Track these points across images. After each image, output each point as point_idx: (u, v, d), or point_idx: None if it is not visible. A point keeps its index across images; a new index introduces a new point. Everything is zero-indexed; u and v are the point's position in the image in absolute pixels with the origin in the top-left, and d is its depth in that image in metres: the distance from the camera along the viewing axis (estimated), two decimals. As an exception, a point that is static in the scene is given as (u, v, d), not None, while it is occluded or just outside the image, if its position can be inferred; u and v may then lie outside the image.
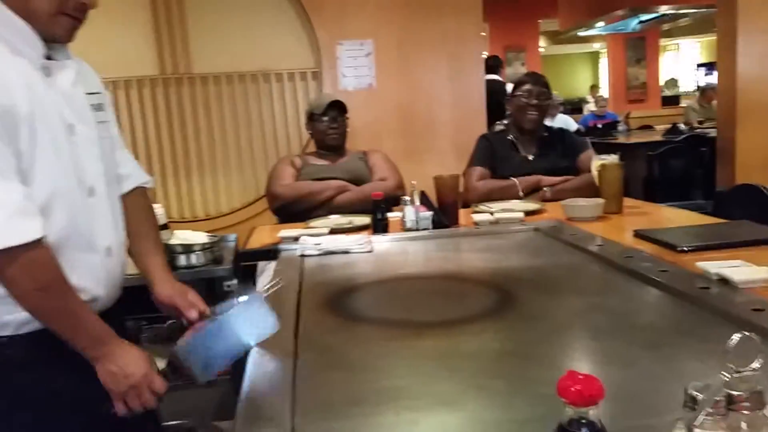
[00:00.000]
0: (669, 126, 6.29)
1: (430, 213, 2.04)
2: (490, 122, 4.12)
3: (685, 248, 1.55)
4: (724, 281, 1.26)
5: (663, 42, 8.88)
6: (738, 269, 1.30)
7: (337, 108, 2.84)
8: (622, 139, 6.14)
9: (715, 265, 1.33)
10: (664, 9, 6.63)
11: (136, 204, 1.30)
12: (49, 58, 1.09)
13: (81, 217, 1.09)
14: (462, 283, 1.53)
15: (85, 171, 1.11)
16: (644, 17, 7.05)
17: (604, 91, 9.31)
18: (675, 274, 1.35)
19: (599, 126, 6.71)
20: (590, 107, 8.57)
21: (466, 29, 3.65)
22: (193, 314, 1.16)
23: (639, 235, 1.75)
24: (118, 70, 3.34)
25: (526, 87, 2.70)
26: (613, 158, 2.23)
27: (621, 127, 6.90)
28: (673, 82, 10.35)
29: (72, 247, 1.07)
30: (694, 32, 8.53)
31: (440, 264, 1.78)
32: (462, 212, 2.21)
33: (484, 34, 3.71)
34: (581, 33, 8.20)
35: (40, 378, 1.08)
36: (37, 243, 0.97)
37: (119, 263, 1.20)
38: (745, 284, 1.23)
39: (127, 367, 1.05)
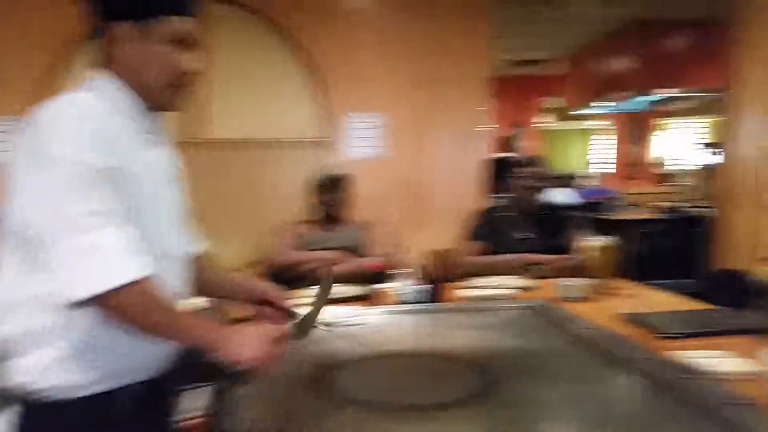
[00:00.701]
0: (665, 204, 6.39)
1: (425, 286, 2.08)
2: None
3: (671, 334, 1.59)
4: (706, 372, 1.28)
5: (661, 121, 9.09)
6: (720, 360, 1.33)
7: (340, 180, 2.91)
8: (616, 216, 6.21)
9: (698, 355, 1.36)
10: (672, 92, 6.76)
11: (200, 263, 1.42)
12: (150, 128, 1.20)
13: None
14: (451, 364, 1.55)
15: (164, 235, 1.20)
16: (647, 99, 7.22)
17: (597, 166, 9.48)
18: (659, 362, 1.38)
19: (593, 201, 6.80)
20: (583, 182, 8.69)
21: (471, 106, 3.80)
22: (286, 303, 1.40)
23: (626, 319, 1.79)
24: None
25: (523, 169, 2.78)
26: (605, 239, 2.28)
27: (616, 203, 6.99)
28: (668, 161, 10.53)
29: None
30: (693, 114, 8.74)
31: (429, 340, 1.79)
32: (454, 286, 2.24)
33: (484, 108, 3.86)
34: (581, 111, 8.41)
35: None
36: (144, 280, 1.04)
37: None
38: (727, 376, 1.25)
39: (242, 333, 1.12)
